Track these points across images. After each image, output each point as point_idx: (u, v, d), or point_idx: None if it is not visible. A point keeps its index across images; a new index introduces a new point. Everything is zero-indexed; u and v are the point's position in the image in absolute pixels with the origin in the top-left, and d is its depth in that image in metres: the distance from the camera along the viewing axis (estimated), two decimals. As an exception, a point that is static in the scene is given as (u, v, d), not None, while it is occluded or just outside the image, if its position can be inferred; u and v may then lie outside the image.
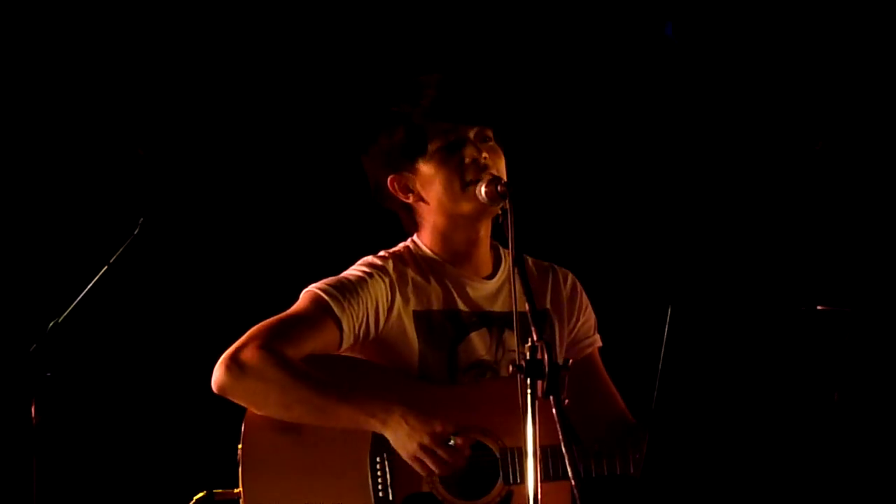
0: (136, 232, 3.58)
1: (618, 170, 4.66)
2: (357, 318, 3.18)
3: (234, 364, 3.08)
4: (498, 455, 3.11)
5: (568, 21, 4.61)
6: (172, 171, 4.37)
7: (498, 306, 3.31)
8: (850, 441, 2.55)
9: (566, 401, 2.58)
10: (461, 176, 3.21)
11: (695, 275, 4.53)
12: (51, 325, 3.53)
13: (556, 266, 3.43)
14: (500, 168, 3.24)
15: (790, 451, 2.55)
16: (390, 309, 3.23)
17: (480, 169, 3.20)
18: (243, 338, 3.13)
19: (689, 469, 2.55)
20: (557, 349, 3.33)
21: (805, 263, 4.49)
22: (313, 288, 3.21)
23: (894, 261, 4.42)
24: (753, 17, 4.57)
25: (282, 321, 3.16)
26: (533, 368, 2.57)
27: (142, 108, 4.46)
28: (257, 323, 3.16)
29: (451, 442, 3.03)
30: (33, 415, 3.49)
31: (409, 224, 3.36)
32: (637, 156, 4.65)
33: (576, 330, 3.40)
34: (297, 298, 3.23)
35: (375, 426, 3.06)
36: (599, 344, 3.43)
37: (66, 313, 3.54)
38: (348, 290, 3.20)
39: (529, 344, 2.59)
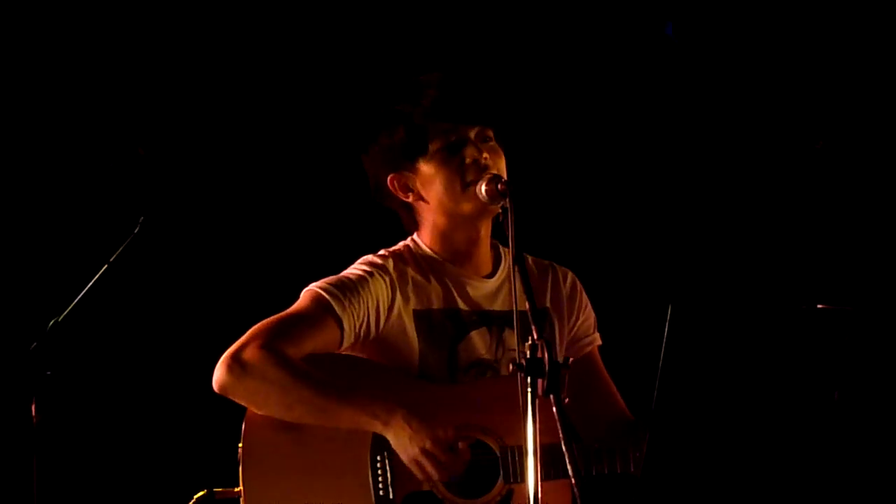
0: (136, 231, 3.58)
1: (618, 169, 4.66)
2: (358, 317, 3.18)
3: (236, 363, 3.08)
4: (498, 454, 3.11)
5: (568, 21, 4.61)
6: (172, 171, 4.37)
7: (498, 305, 3.31)
8: (851, 440, 2.55)
9: (566, 399, 2.57)
10: (462, 176, 3.21)
11: (695, 273, 4.53)
12: (51, 323, 3.54)
13: (555, 265, 3.43)
14: (501, 168, 3.24)
15: (790, 450, 2.55)
16: (391, 308, 3.23)
17: (481, 169, 3.20)
18: (244, 337, 3.13)
19: (689, 468, 2.55)
20: (557, 348, 3.33)
21: (805, 262, 4.49)
22: (314, 287, 3.21)
23: (895, 259, 4.42)
24: (753, 17, 4.58)
25: (283, 320, 3.16)
26: (533, 367, 2.57)
27: (142, 108, 4.46)
28: (257, 322, 3.16)
29: (452, 448, 3.03)
30: (33, 413, 3.49)
31: (408, 223, 3.36)
32: (637, 155, 4.65)
33: (575, 328, 3.40)
34: (297, 297, 3.23)
35: (377, 427, 3.06)
36: (599, 342, 3.43)
37: (66, 312, 3.54)
38: (349, 289, 3.20)
39: (530, 342, 2.58)
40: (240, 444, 3.10)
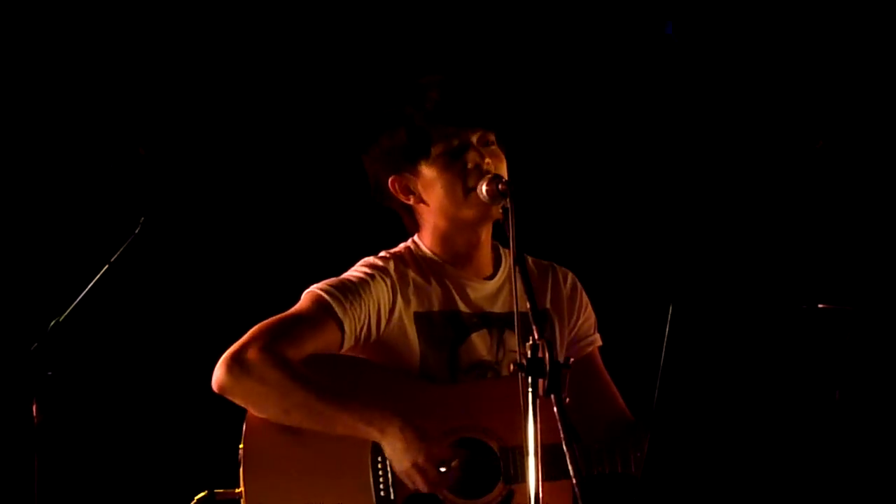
0: (137, 231, 3.58)
1: (618, 169, 4.66)
2: (359, 319, 3.18)
3: (235, 363, 3.08)
4: (499, 454, 3.11)
5: (568, 21, 4.61)
6: (173, 171, 4.37)
7: (498, 307, 3.31)
8: (852, 440, 2.55)
9: (567, 399, 2.58)
10: (464, 181, 3.21)
11: (695, 273, 4.53)
12: (52, 324, 3.53)
13: (556, 265, 3.43)
14: (502, 172, 3.24)
15: (791, 449, 2.55)
16: (392, 310, 3.23)
17: (483, 174, 3.19)
18: (245, 337, 3.12)
19: (689, 468, 2.55)
20: (558, 348, 3.33)
21: (806, 262, 4.49)
22: (315, 288, 3.21)
23: (895, 259, 4.42)
24: (753, 17, 4.58)
25: (283, 321, 3.16)
26: (534, 367, 2.57)
27: (142, 107, 4.46)
28: (258, 323, 3.16)
29: (444, 469, 3.03)
30: (34, 414, 3.49)
31: (409, 224, 3.36)
32: (638, 156, 4.65)
33: (576, 329, 3.40)
34: (298, 298, 3.23)
35: (373, 435, 3.06)
36: (599, 343, 3.43)
37: (67, 312, 3.54)
38: (350, 291, 3.20)
39: (530, 342, 2.59)
40: (240, 445, 3.10)
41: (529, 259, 3.38)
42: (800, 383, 2.52)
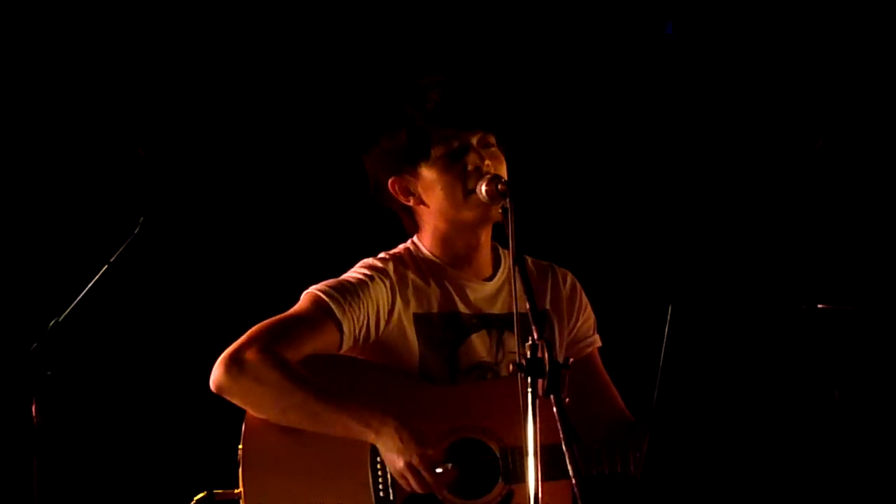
0: (136, 231, 3.58)
1: (618, 169, 4.66)
2: (358, 320, 3.18)
3: (233, 363, 3.08)
4: (498, 454, 3.11)
5: (567, 22, 4.61)
6: (173, 171, 4.37)
7: (497, 308, 3.31)
8: (851, 440, 2.55)
9: (566, 399, 2.57)
10: (464, 183, 3.21)
11: (695, 274, 4.53)
12: (51, 323, 3.53)
13: (555, 266, 3.43)
14: (502, 174, 3.24)
15: (791, 450, 2.55)
16: (391, 312, 3.23)
17: (482, 176, 3.19)
18: (243, 337, 3.13)
19: (689, 468, 2.55)
20: (557, 349, 3.33)
21: (806, 262, 4.49)
22: (314, 289, 3.21)
23: (895, 259, 4.42)
24: (753, 17, 4.57)
25: (282, 322, 3.16)
26: (533, 367, 2.57)
27: (142, 107, 4.46)
28: (257, 323, 3.16)
29: (440, 469, 3.03)
30: (34, 414, 3.49)
31: (409, 225, 3.36)
32: (637, 156, 4.65)
33: (575, 330, 3.40)
34: (297, 299, 3.23)
35: (369, 436, 3.06)
36: (599, 344, 3.43)
37: (66, 312, 3.54)
38: (349, 292, 3.20)
39: (530, 342, 2.59)
40: (240, 446, 3.10)
41: (529, 260, 3.38)
42: (799, 383, 2.52)
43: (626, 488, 3.11)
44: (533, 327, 2.62)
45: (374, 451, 3.09)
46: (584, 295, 3.42)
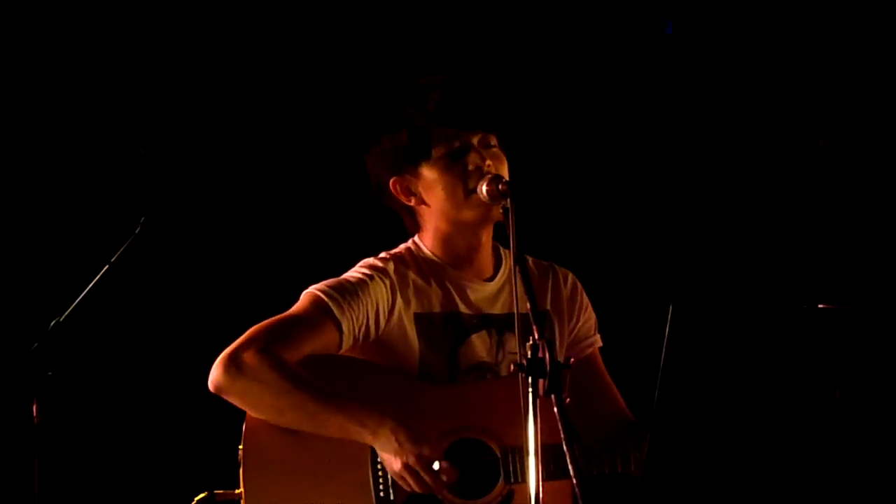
0: (137, 231, 3.58)
1: (618, 170, 4.66)
2: (357, 320, 3.18)
3: (231, 363, 3.08)
4: (499, 454, 3.11)
5: (568, 22, 4.61)
6: (173, 171, 4.37)
7: (498, 308, 3.31)
8: (852, 440, 2.55)
9: (567, 399, 2.58)
10: (464, 183, 3.21)
11: (695, 274, 4.53)
12: (52, 324, 3.53)
13: (556, 266, 3.43)
14: (503, 174, 3.24)
15: (791, 449, 2.55)
16: (391, 311, 3.23)
17: (483, 176, 3.19)
18: (242, 338, 3.13)
19: (689, 468, 2.55)
20: (558, 349, 3.33)
21: (806, 262, 4.49)
22: (313, 289, 3.21)
23: (895, 259, 4.42)
24: (753, 17, 4.58)
25: (281, 322, 3.16)
26: (534, 367, 2.57)
27: (142, 107, 4.46)
28: (257, 323, 3.16)
29: (437, 466, 3.03)
30: (35, 414, 3.49)
31: (410, 225, 3.36)
32: (638, 156, 4.65)
33: (576, 330, 3.40)
34: (297, 299, 3.23)
35: (365, 437, 3.06)
36: (600, 344, 3.43)
37: (67, 312, 3.53)
38: (349, 292, 3.20)
39: (530, 342, 2.59)
40: (240, 446, 3.10)
41: (530, 260, 3.38)
42: (800, 383, 2.52)
43: (626, 488, 3.12)
44: (534, 327, 2.62)
45: (375, 452, 3.09)
46: (584, 295, 3.42)
